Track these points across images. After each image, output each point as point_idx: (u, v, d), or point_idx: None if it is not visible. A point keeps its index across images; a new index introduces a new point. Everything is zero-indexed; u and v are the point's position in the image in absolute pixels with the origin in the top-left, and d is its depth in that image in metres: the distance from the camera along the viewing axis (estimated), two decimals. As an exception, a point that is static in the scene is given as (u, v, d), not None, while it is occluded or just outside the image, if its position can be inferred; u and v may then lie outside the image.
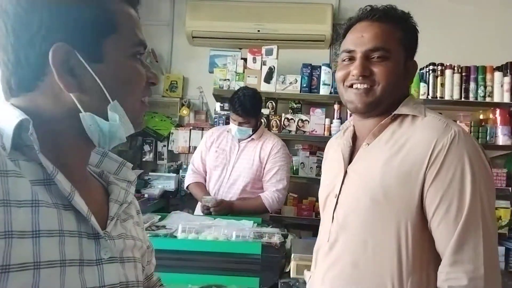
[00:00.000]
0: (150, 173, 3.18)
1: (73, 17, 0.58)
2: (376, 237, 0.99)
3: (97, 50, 0.60)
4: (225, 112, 3.16)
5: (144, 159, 3.34)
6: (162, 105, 3.41)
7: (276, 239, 1.74)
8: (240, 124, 2.35)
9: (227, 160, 2.41)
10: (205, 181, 2.50)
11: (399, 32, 1.07)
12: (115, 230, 0.65)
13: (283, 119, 3.07)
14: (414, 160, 0.96)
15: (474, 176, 0.91)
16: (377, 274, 0.98)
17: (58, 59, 0.57)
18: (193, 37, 3.30)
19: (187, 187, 2.53)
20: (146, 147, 3.35)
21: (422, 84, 2.97)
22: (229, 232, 1.76)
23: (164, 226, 1.93)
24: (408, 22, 1.12)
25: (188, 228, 1.79)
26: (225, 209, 2.26)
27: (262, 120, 2.82)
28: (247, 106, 2.30)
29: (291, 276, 1.62)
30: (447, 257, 0.92)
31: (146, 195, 2.88)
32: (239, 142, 2.43)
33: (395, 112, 1.04)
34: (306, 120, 3.08)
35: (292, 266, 1.63)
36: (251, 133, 2.41)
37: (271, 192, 2.35)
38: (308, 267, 1.41)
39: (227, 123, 3.14)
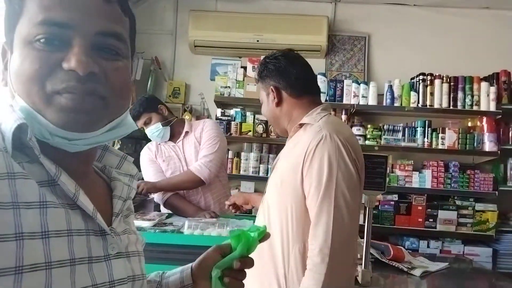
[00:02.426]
0: (153, 176, 3.30)
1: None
2: (275, 213, 1.26)
3: (11, 39, 0.57)
4: (226, 118, 3.32)
5: (147, 162, 3.47)
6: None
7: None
8: (145, 125, 2.33)
9: (179, 160, 2.39)
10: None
11: None
12: (119, 226, 0.65)
13: (281, 125, 3.22)
14: (297, 156, 1.22)
15: (331, 169, 1.15)
16: (273, 242, 1.23)
17: (2, 55, 0.60)
18: (195, 46, 3.46)
19: (164, 203, 2.39)
20: (149, 151, 3.48)
21: (412, 93, 3.14)
22: (231, 229, 1.91)
23: (171, 223, 2.06)
24: None
25: (193, 224, 1.93)
26: (149, 189, 2.23)
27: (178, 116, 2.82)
28: (135, 108, 2.30)
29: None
30: (309, 231, 1.17)
31: (152, 196, 3.00)
32: (176, 143, 2.41)
33: (300, 122, 1.33)
34: (303, 126, 3.23)
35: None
36: (162, 129, 2.35)
37: (199, 159, 2.30)
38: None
39: (228, 128, 3.29)
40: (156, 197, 2.42)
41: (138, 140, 3.49)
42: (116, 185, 0.68)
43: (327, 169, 1.15)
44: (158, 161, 2.42)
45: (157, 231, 1.92)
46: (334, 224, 1.12)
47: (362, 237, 2.01)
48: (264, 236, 0.73)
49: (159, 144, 2.43)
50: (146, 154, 2.45)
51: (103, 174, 0.71)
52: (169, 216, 2.25)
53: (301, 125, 1.33)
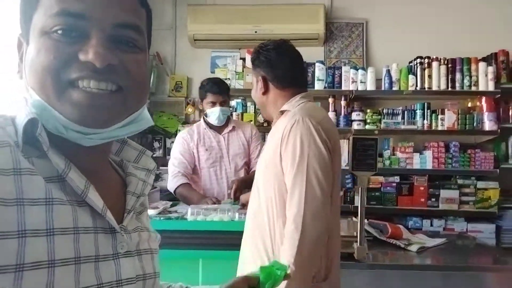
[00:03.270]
0: (160, 168, 3.41)
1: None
2: (263, 193, 1.37)
3: (27, 31, 0.56)
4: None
5: (154, 155, 3.57)
6: (168, 105, 3.64)
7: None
8: (221, 104, 2.44)
9: (221, 153, 2.48)
10: (190, 182, 2.50)
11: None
12: (131, 224, 0.64)
13: (281, 113, 3.28)
14: (277, 139, 1.33)
15: (303, 148, 1.26)
16: (261, 218, 1.35)
17: (17, 47, 0.59)
18: (195, 40, 3.53)
19: (174, 191, 2.44)
20: (156, 144, 3.59)
21: (410, 77, 3.18)
22: (233, 214, 1.99)
23: (175, 211, 2.16)
24: None
25: (196, 211, 2.02)
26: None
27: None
28: (220, 84, 2.47)
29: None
30: (286, 204, 1.27)
31: (157, 187, 3.11)
32: (221, 134, 2.51)
33: (280, 109, 1.43)
34: (303, 113, 3.29)
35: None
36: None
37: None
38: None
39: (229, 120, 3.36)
40: (168, 185, 2.51)
41: (143, 134, 3.59)
42: (131, 180, 0.66)
43: (299, 148, 1.26)
44: (197, 149, 2.49)
45: (161, 218, 2.02)
46: (306, 197, 1.22)
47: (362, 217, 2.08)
48: (286, 275, 0.77)
49: (202, 131, 2.53)
50: (188, 137, 2.53)
51: (120, 168, 0.69)
52: (173, 204, 2.34)
53: (282, 112, 1.42)
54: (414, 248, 1.99)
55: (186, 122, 3.63)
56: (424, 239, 2.18)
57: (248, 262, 1.38)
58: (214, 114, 2.48)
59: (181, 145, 2.52)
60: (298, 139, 1.26)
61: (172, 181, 2.45)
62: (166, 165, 3.54)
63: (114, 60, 0.54)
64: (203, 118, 2.58)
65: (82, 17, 0.53)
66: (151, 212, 2.07)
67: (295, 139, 1.26)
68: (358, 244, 1.81)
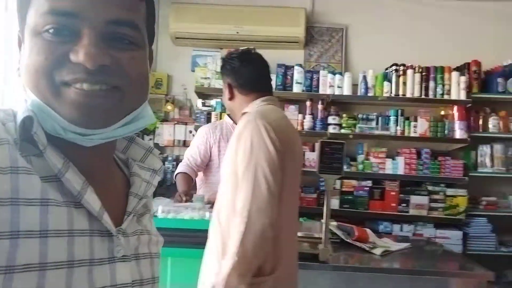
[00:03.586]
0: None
1: None
2: (223, 190, 1.43)
3: (23, 29, 0.55)
4: (207, 109, 3.41)
5: (131, 152, 3.57)
6: (149, 101, 3.62)
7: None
8: None
9: None
10: (195, 175, 2.61)
11: None
12: (131, 227, 0.61)
13: (259, 114, 3.32)
14: (233, 138, 1.40)
15: (252, 147, 1.31)
16: (222, 215, 1.40)
17: (18, 45, 0.59)
18: (176, 38, 3.54)
19: (175, 175, 2.61)
20: (133, 141, 3.58)
21: (386, 83, 3.25)
22: (203, 212, 2.02)
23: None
24: None
25: (167, 209, 2.04)
26: None
27: None
28: None
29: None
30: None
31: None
32: None
33: (243, 111, 1.49)
34: (280, 115, 3.33)
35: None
36: None
37: None
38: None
39: (208, 119, 3.38)
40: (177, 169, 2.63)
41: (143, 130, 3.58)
42: (135, 181, 0.64)
43: (249, 147, 1.32)
44: (218, 144, 2.56)
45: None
46: (252, 192, 1.27)
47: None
48: None
49: (226, 127, 2.61)
50: (205, 132, 2.60)
51: (126, 167, 0.67)
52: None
53: (244, 113, 1.48)
54: (378, 251, 2.05)
55: (165, 119, 3.63)
56: (389, 243, 2.25)
57: (206, 259, 1.44)
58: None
59: (200, 137, 2.61)
60: (249, 138, 1.32)
61: (179, 167, 2.62)
62: (143, 162, 3.56)
63: (106, 60, 0.52)
64: (228, 115, 2.66)
65: (72, 15, 0.51)
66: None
67: (246, 138, 1.33)
68: (323, 246, 1.86)
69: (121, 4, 0.54)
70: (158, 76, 3.66)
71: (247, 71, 1.53)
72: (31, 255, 0.47)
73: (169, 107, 3.60)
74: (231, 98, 1.57)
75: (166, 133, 3.55)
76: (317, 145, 1.89)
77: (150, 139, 3.60)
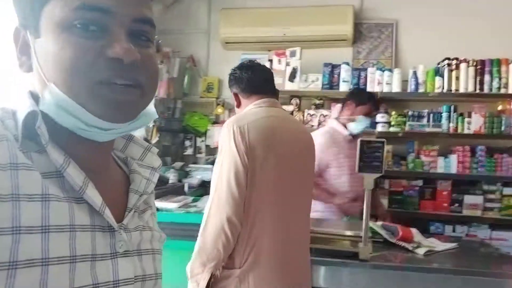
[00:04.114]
0: (190, 165, 3.61)
1: None
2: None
3: (36, 22, 0.54)
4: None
5: (185, 153, 3.79)
6: (200, 105, 3.83)
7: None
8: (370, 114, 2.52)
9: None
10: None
11: None
12: (132, 222, 0.62)
13: (306, 114, 3.37)
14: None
15: (221, 151, 1.48)
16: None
17: (15, 38, 0.57)
18: (226, 43, 3.68)
19: None
20: (187, 142, 3.79)
21: (437, 78, 3.15)
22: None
23: (195, 206, 2.32)
24: None
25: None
26: None
27: None
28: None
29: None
30: None
31: (186, 184, 3.30)
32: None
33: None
34: (327, 115, 3.36)
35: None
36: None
37: None
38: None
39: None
40: None
41: (175, 133, 3.81)
42: (134, 178, 0.65)
43: (219, 150, 1.50)
44: (337, 156, 2.46)
45: (182, 211, 2.20)
46: (215, 191, 1.44)
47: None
48: None
49: (343, 138, 2.52)
50: (331, 141, 2.47)
51: (125, 165, 0.68)
52: (195, 199, 2.50)
53: None
54: (421, 251, 2.03)
55: (216, 122, 3.79)
56: (435, 243, 2.20)
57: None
58: (363, 123, 2.49)
59: (327, 147, 2.45)
60: (220, 142, 1.51)
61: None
62: (197, 162, 3.76)
63: (138, 56, 0.53)
64: (344, 125, 2.53)
65: (103, 11, 0.52)
66: (173, 205, 2.25)
67: (219, 143, 1.52)
68: (363, 244, 1.88)
69: (145, 2, 0.57)
70: (209, 80, 3.83)
71: (247, 76, 1.66)
72: (34, 250, 0.47)
73: (219, 110, 3.76)
74: (238, 105, 1.71)
75: (217, 135, 3.71)
76: (357, 144, 1.91)
77: (202, 141, 3.78)
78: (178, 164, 3.54)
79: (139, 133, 3.10)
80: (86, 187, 0.54)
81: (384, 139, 1.89)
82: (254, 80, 1.68)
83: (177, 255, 1.79)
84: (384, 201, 3.17)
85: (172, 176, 3.06)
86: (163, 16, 3.47)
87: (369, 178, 1.89)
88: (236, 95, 1.71)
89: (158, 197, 2.39)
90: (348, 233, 2.05)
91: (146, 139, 3.16)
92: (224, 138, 1.47)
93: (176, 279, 1.50)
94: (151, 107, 0.61)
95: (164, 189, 2.52)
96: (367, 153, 1.88)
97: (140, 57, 0.54)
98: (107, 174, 0.62)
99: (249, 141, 1.44)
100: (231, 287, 1.43)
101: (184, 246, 1.73)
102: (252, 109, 1.61)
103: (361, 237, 1.94)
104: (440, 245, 2.16)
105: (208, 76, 3.87)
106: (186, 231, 2.12)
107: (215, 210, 1.43)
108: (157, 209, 2.05)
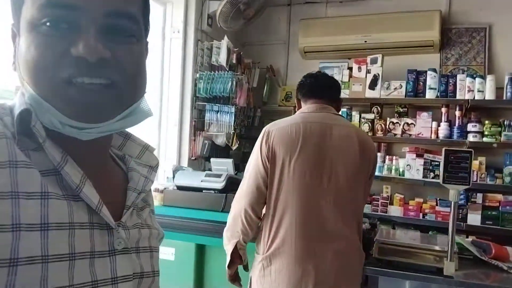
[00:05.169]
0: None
1: None
2: None
3: (17, 22, 0.54)
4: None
5: (263, 161, 3.85)
6: (278, 113, 3.85)
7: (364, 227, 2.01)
8: None
9: None
10: None
11: None
12: (130, 220, 0.62)
13: (388, 123, 3.24)
14: None
15: (252, 152, 1.76)
16: None
17: (12, 38, 0.57)
18: (305, 52, 3.70)
19: None
20: (265, 150, 3.85)
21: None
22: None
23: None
24: None
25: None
26: None
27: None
28: None
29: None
30: None
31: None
32: None
33: None
34: (412, 123, 3.20)
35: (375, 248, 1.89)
36: None
37: None
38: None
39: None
40: None
41: (255, 141, 3.87)
42: (133, 176, 0.65)
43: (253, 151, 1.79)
44: None
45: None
46: (240, 186, 1.77)
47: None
48: None
49: None
50: None
51: (123, 163, 0.68)
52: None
53: None
54: (518, 272, 1.83)
55: (294, 130, 3.80)
56: (535, 264, 1.98)
57: None
58: None
59: None
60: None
61: None
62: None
63: (106, 53, 0.51)
64: None
65: (71, 7, 0.50)
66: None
67: None
68: (449, 260, 1.76)
69: None
70: (288, 89, 3.87)
71: (309, 82, 1.83)
72: (34, 247, 0.47)
73: (298, 118, 3.77)
74: (299, 109, 1.87)
75: (296, 143, 3.72)
76: (442, 154, 1.80)
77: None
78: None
79: (220, 141, 3.23)
80: (83, 185, 0.54)
81: (471, 150, 1.77)
82: (314, 85, 1.82)
83: (250, 254, 1.84)
84: (477, 217, 2.92)
85: (250, 182, 3.12)
86: (244, 29, 3.59)
87: (455, 190, 1.76)
88: (298, 100, 1.89)
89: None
90: (434, 247, 1.91)
91: (227, 146, 3.27)
92: (258, 139, 1.71)
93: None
94: (144, 105, 0.60)
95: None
96: (453, 164, 1.76)
97: (109, 54, 0.52)
98: (105, 171, 0.62)
99: (272, 145, 1.66)
100: (257, 270, 1.69)
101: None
102: (296, 114, 1.82)
103: (445, 251, 1.81)
104: (541, 268, 1.93)
105: (287, 85, 3.91)
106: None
107: (237, 199, 1.74)
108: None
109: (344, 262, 1.64)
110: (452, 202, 1.77)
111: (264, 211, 1.72)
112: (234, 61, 3.34)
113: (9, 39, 0.58)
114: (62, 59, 0.51)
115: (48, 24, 0.50)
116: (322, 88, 1.83)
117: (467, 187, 1.74)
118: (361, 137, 1.75)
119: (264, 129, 1.72)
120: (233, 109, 3.16)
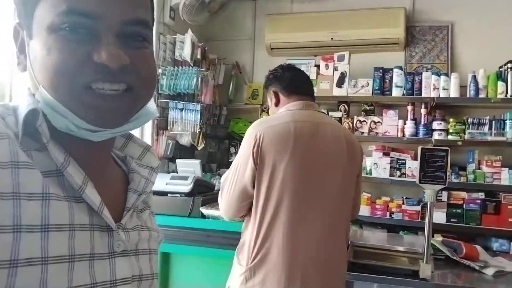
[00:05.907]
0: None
1: None
2: None
3: (29, 24, 0.54)
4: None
5: (230, 160, 3.73)
6: (245, 112, 3.77)
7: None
8: None
9: None
10: None
11: None
12: (130, 222, 0.62)
13: (355, 121, 3.22)
14: None
15: (240, 149, 1.60)
16: None
17: (15, 36, 0.58)
18: (271, 49, 3.61)
19: None
20: (232, 149, 3.73)
21: (500, 83, 2.91)
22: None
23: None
24: None
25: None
26: None
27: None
28: None
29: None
30: None
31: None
32: None
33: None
34: (378, 121, 3.19)
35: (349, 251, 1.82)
36: None
37: None
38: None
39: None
40: None
41: (221, 140, 3.77)
42: (134, 177, 0.65)
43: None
44: None
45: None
46: (224, 182, 1.62)
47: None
48: None
49: None
50: None
51: (124, 164, 0.68)
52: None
53: None
54: (490, 271, 1.83)
55: (261, 128, 3.71)
56: (504, 262, 1.99)
57: None
58: None
59: None
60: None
61: None
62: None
63: (126, 60, 0.52)
64: None
65: (91, 15, 0.51)
66: (219, 212, 2.18)
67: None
68: (424, 262, 1.72)
69: (136, 3, 0.55)
70: (254, 87, 3.77)
71: (289, 75, 1.71)
72: (34, 249, 0.47)
73: (264, 116, 3.68)
74: (277, 103, 1.71)
75: (262, 142, 3.63)
76: (418, 153, 1.76)
77: (247, 148, 3.71)
78: (224, 171, 3.48)
79: (185, 141, 3.08)
80: (85, 186, 0.54)
81: (447, 148, 1.73)
82: (297, 79, 1.72)
83: (219, 262, 1.71)
84: (442, 215, 2.95)
85: (217, 183, 3.00)
86: (208, 23, 3.45)
87: (431, 190, 1.73)
88: (276, 93, 1.72)
89: (204, 204, 2.33)
90: (410, 249, 1.86)
91: (192, 146, 3.13)
92: (244, 138, 1.57)
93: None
94: (151, 106, 0.61)
95: (210, 196, 2.46)
96: (429, 163, 1.73)
97: (129, 60, 0.53)
98: (107, 172, 0.62)
99: (261, 146, 1.50)
100: (238, 282, 1.52)
101: (230, 255, 1.66)
102: (282, 112, 1.65)
103: (420, 254, 1.78)
104: (509, 265, 1.95)
105: (253, 83, 3.81)
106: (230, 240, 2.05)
107: (223, 195, 1.63)
108: (204, 216, 2.02)
109: (332, 272, 1.55)
110: (429, 202, 1.74)
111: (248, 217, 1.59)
112: (198, 56, 3.20)
113: (9, 39, 0.59)
114: (83, 64, 0.51)
115: (69, 30, 0.51)
116: (304, 84, 1.73)
117: (443, 186, 1.71)
118: (348, 138, 1.65)
119: (251, 127, 1.57)
120: (198, 107, 3.02)
